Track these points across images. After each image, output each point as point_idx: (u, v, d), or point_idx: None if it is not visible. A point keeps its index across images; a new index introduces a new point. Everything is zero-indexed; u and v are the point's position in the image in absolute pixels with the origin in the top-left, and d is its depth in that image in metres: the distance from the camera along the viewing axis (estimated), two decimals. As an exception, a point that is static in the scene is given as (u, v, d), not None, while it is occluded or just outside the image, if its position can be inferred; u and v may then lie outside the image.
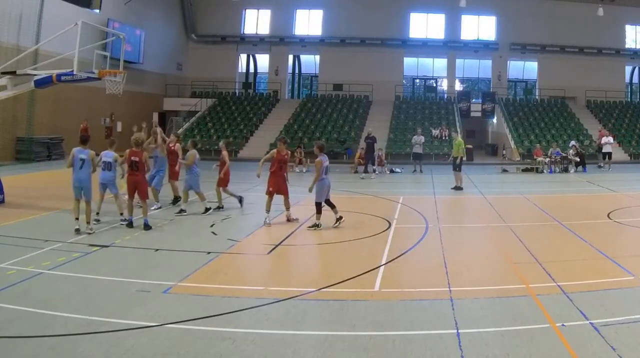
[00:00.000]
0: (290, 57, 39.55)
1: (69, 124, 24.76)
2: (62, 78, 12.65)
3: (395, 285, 7.03)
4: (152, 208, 11.87)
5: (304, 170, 22.56)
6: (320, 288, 6.70)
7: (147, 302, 6.14)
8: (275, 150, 11.20)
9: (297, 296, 6.40)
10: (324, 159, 10.42)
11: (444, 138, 29.28)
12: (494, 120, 34.51)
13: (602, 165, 24.78)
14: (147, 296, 6.35)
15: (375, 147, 21.94)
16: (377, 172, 21.73)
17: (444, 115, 33.14)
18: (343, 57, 36.40)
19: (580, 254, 8.58)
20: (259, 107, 34.74)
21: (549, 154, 23.79)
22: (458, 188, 16.70)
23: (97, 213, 10.40)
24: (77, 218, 9.64)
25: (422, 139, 23.41)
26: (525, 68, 38.49)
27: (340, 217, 10.44)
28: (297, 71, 40.93)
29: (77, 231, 9.47)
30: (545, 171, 23.06)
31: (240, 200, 12.51)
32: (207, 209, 11.69)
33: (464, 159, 18.27)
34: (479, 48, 37.04)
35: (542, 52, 36.38)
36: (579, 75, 35.15)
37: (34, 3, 22.27)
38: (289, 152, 11.64)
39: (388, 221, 11.17)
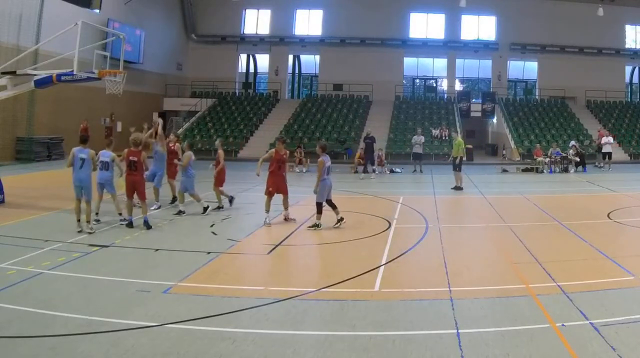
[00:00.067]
0: (290, 57, 39.56)
1: (69, 124, 24.77)
2: (62, 78, 12.65)
3: (395, 285, 7.03)
4: (152, 208, 11.87)
5: (304, 170, 22.57)
6: (320, 288, 6.70)
7: (147, 302, 6.14)
8: (273, 150, 11.22)
9: (297, 296, 6.40)
10: (326, 159, 10.43)
11: (444, 138, 29.28)
12: (494, 120, 34.51)
13: (602, 165, 24.82)
14: (147, 296, 6.34)
15: (375, 147, 21.94)
16: (377, 172, 21.72)
17: (444, 115, 33.15)
18: (343, 57, 36.40)
19: (580, 254, 8.58)
20: (259, 107, 34.75)
21: (549, 154, 23.79)
22: (458, 188, 16.70)
23: (97, 214, 10.40)
24: (78, 220, 9.68)
25: (422, 139, 23.41)
26: (525, 68, 38.50)
27: (342, 218, 10.42)
28: (297, 71, 40.94)
29: (80, 232, 9.50)
30: (545, 171, 23.06)
31: (231, 199, 12.50)
32: (205, 209, 11.69)
33: (464, 159, 18.28)
34: (479, 48, 37.04)
35: (542, 52, 36.39)
36: (579, 75, 35.15)
37: (34, 3, 22.27)
38: (288, 151, 11.63)
39: (388, 221, 11.17)
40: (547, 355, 4.85)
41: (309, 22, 38.40)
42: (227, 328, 5.44)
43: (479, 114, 34.19)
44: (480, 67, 38.28)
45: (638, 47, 36.89)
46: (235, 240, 9.42)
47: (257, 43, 38.38)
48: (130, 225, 10.09)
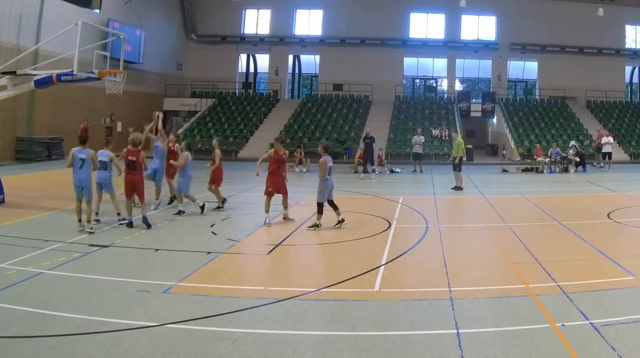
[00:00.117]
0: (290, 57, 39.55)
1: (69, 124, 24.76)
2: (62, 78, 12.65)
3: (395, 285, 7.03)
4: (152, 207, 11.89)
5: (304, 170, 22.58)
6: (320, 288, 6.70)
7: (147, 302, 6.14)
8: (272, 150, 11.21)
9: (297, 296, 6.40)
10: (328, 160, 10.43)
11: (444, 138, 29.28)
12: (494, 120, 34.51)
13: (602, 165, 24.86)
14: (147, 296, 6.34)
15: (374, 147, 21.94)
16: (377, 172, 21.73)
17: (444, 115, 33.15)
18: (343, 57, 36.39)
19: (580, 254, 8.58)
20: (259, 107, 34.75)
21: (549, 154, 23.79)
22: (458, 188, 16.70)
23: (97, 214, 10.40)
24: (80, 220, 9.72)
25: (422, 139, 23.42)
26: (525, 68, 38.50)
27: (343, 220, 10.41)
28: (297, 71, 40.93)
29: (81, 231, 9.52)
30: (545, 171, 23.06)
31: (223, 201, 12.38)
32: (202, 208, 11.67)
33: (464, 158, 18.28)
34: (479, 48, 37.03)
35: (542, 52, 36.38)
36: (579, 75, 35.14)
37: (34, 3, 22.27)
38: (287, 151, 11.63)
39: (388, 221, 11.17)
40: (547, 355, 4.85)
41: (309, 22, 38.39)
42: (227, 328, 5.44)
43: (479, 114, 34.19)
44: (480, 67, 38.28)
45: (638, 47, 36.88)
46: (235, 240, 9.42)
47: (257, 43, 38.37)
48: (130, 225, 10.10)
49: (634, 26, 36.77)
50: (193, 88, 37.18)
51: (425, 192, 16.79)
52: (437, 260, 8.16)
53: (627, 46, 36.67)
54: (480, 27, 37.54)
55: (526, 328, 5.41)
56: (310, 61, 40.05)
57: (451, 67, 38.02)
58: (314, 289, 6.66)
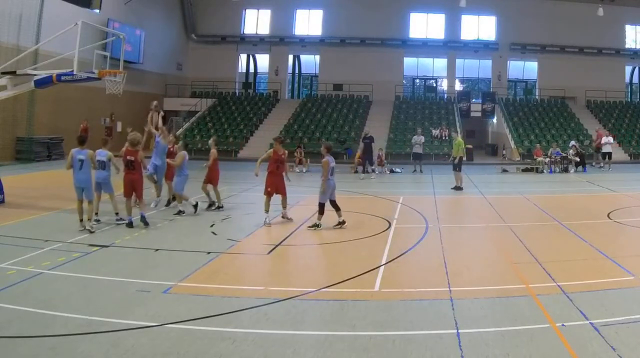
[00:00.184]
0: (290, 57, 39.55)
1: (69, 124, 24.76)
2: (62, 78, 12.64)
3: (395, 285, 7.03)
4: (152, 205, 11.89)
5: (304, 170, 22.59)
6: (320, 288, 6.69)
7: (147, 302, 6.14)
8: (272, 150, 11.21)
9: (297, 296, 6.40)
10: (330, 160, 10.44)
11: (444, 138, 29.28)
12: (494, 120, 34.51)
13: (602, 165, 24.87)
14: (147, 296, 6.34)
15: (374, 146, 21.93)
16: (377, 172, 21.74)
17: (444, 115, 33.15)
18: (343, 57, 36.39)
19: (580, 254, 8.58)
20: (259, 107, 34.75)
21: (549, 154, 23.80)
22: (458, 188, 16.69)
23: (96, 214, 10.40)
24: (81, 220, 9.74)
25: (422, 139, 23.42)
26: (525, 68, 38.50)
27: (344, 221, 10.39)
28: (297, 71, 40.93)
29: (81, 231, 9.54)
30: (545, 171, 23.07)
31: (211, 204, 12.24)
32: (195, 206, 11.62)
33: (464, 159, 18.28)
34: (479, 48, 37.04)
35: (542, 52, 36.38)
36: (579, 75, 35.14)
37: (34, 3, 22.27)
38: (286, 151, 11.63)
39: (388, 221, 11.17)
40: (547, 355, 4.85)
41: (309, 22, 38.39)
42: (227, 328, 5.44)
43: (479, 114, 34.19)
44: (480, 67, 38.28)
45: (638, 47, 36.88)
46: (235, 240, 9.42)
47: (257, 43, 38.37)
48: (130, 225, 10.11)
49: (634, 26, 36.77)
50: (193, 88, 37.19)
51: (425, 192, 16.79)
52: (437, 260, 8.16)
53: (627, 46, 36.67)
54: (480, 27, 37.54)
55: (526, 328, 5.41)
56: (310, 61, 40.05)
57: (451, 67, 38.02)
58: (314, 289, 6.66)
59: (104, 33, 20.19)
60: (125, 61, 15.46)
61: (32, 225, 10.30)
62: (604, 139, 25.10)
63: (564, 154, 23.79)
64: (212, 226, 10.57)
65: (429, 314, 5.92)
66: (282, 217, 11.08)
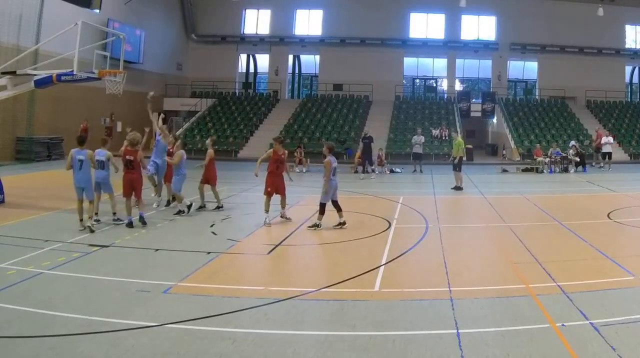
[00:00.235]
0: (290, 57, 39.56)
1: (69, 124, 24.77)
2: (62, 78, 12.64)
3: (395, 285, 7.03)
4: (154, 205, 11.88)
5: (304, 170, 22.59)
6: (320, 288, 6.69)
7: (147, 302, 6.14)
8: (271, 150, 11.21)
9: (297, 296, 6.40)
10: (332, 160, 10.44)
11: (444, 138, 29.28)
12: (494, 120, 34.51)
13: (602, 165, 24.88)
14: (147, 296, 6.34)
15: (373, 146, 21.92)
16: (377, 172, 21.74)
17: (444, 115, 33.15)
18: (343, 57, 36.40)
19: (580, 254, 8.58)
20: (259, 107, 34.75)
21: (549, 154, 23.80)
22: (458, 188, 16.70)
23: (96, 214, 10.40)
24: (81, 220, 9.76)
25: (422, 139, 23.42)
26: (525, 68, 38.50)
27: (344, 222, 10.39)
28: (297, 71, 40.94)
29: (82, 230, 9.56)
30: (545, 171, 23.07)
31: (201, 207, 12.10)
32: (188, 207, 11.57)
33: (464, 158, 18.28)
34: (479, 48, 37.04)
35: (542, 52, 36.39)
36: (579, 75, 35.15)
37: (34, 3, 22.27)
38: (286, 151, 11.61)
39: (388, 221, 11.17)
40: (547, 355, 4.85)
41: (309, 22, 38.40)
42: (227, 328, 5.44)
43: (479, 114, 34.20)
44: (480, 67, 38.29)
45: (638, 47, 36.88)
46: (235, 240, 9.42)
47: (257, 43, 38.38)
48: (130, 225, 10.11)
49: (634, 26, 36.77)
50: (193, 88, 37.19)
51: (425, 192, 16.79)
52: (437, 260, 8.16)
53: (627, 46, 36.68)
54: (480, 27, 37.54)
55: (526, 328, 5.41)
56: (310, 61, 40.05)
57: (451, 67, 38.02)
58: (314, 289, 6.66)
59: (104, 33, 20.19)
60: (125, 61, 15.46)
61: (32, 225, 10.30)
62: (604, 139, 25.11)
63: (564, 154, 23.79)
64: (212, 226, 10.57)
65: (429, 314, 5.92)
66: (281, 216, 11.09)
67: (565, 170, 23.35)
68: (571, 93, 35.60)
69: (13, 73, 13.07)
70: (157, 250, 8.56)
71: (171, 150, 12.57)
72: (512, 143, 29.54)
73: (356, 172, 21.80)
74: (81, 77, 12.51)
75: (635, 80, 39.26)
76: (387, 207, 13.46)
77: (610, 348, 4.90)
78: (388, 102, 34.82)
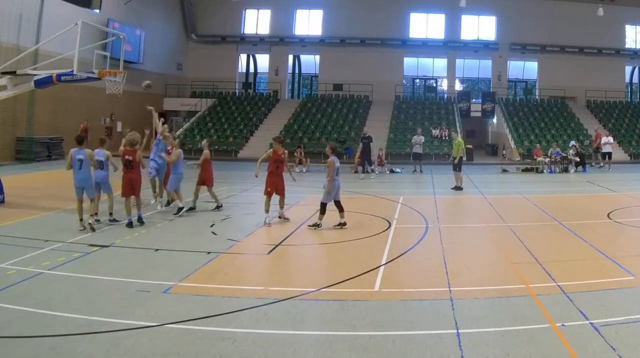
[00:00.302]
0: (290, 57, 39.56)
1: (69, 124, 24.76)
2: (62, 78, 12.64)
3: (395, 285, 7.03)
4: (158, 207, 11.85)
5: (304, 170, 22.58)
6: (320, 288, 6.69)
7: (147, 302, 6.14)
8: (271, 150, 11.19)
9: (297, 296, 6.40)
10: (335, 160, 10.44)
11: (444, 138, 29.28)
12: (494, 120, 34.52)
13: (601, 165, 24.89)
14: (147, 296, 6.34)
15: (372, 146, 21.92)
16: (377, 172, 21.74)
17: (444, 115, 33.15)
18: (343, 57, 36.40)
19: (580, 254, 8.58)
20: (259, 107, 34.75)
21: (549, 154, 23.79)
22: (458, 188, 16.69)
23: (96, 214, 10.39)
24: (81, 219, 9.79)
25: (422, 139, 23.42)
26: (525, 68, 38.50)
27: (345, 223, 10.39)
28: (297, 71, 40.94)
29: (82, 230, 9.58)
30: (545, 171, 23.07)
31: (191, 208, 11.96)
32: (179, 209, 11.48)
33: (464, 158, 18.28)
34: (479, 48, 37.04)
35: (542, 52, 36.39)
36: (579, 75, 35.15)
37: (34, 3, 22.27)
38: (286, 151, 11.60)
39: (388, 221, 11.17)
40: (547, 355, 4.85)
41: (309, 22, 38.40)
42: (227, 328, 5.44)
43: (479, 114, 34.20)
44: (480, 67, 38.29)
45: (638, 47, 36.89)
46: (235, 240, 9.42)
47: (257, 43, 38.38)
48: (130, 225, 10.12)
49: (634, 26, 36.77)
50: (193, 88, 37.19)
51: (425, 192, 16.79)
52: (437, 260, 8.16)
53: (627, 46, 36.68)
54: (480, 27, 37.54)
55: (526, 328, 5.41)
56: (310, 61, 40.05)
57: (451, 67, 38.02)
58: (314, 289, 6.66)
59: (104, 33, 20.18)
60: (125, 61, 15.46)
61: (32, 225, 10.30)
62: (604, 139, 25.11)
63: (564, 154, 23.79)
64: (212, 226, 10.57)
65: (429, 314, 5.92)
66: (279, 217, 11.05)
67: (565, 170, 23.35)
68: (571, 93, 35.60)
69: (13, 73, 13.07)
70: (157, 250, 8.56)
71: (170, 150, 12.56)
72: (512, 143, 29.54)
73: (356, 172, 21.79)
74: (81, 77, 12.51)
75: (635, 80, 39.26)
76: (387, 207, 13.46)
77: (610, 348, 4.90)
78: (388, 102, 34.82)
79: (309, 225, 10.41)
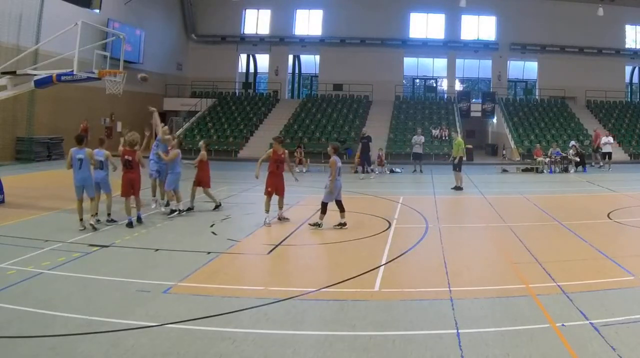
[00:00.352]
0: (290, 57, 39.57)
1: (69, 124, 24.75)
2: (62, 78, 12.64)
3: (395, 285, 7.02)
4: (162, 209, 11.86)
5: (304, 170, 22.57)
6: (320, 288, 6.69)
7: (147, 302, 6.14)
8: (271, 150, 11.18)
9: (297, 296, 6.40)
10: (337, 160, 10.44)
11: (444, 138, 29.29)
12: (494, 120, 34.52)
13: (601, 164, 24.89)
14: (147, 296, 6.34)
15: (371, 146, 21.92)
16: (377, 172, 21.74)
17: (444, 115, 33.15)
18: (343, 57, 36.41)
19: (580, 254, 8.58)
20: (259, 107, 34.75)
21: (549, 154, 23.79)
22: (458, 188, 16.69)
23: (96, 214, 10.39)
24: (81, 219, 9.80)
25: (422, 139, 23.42)
26: (525, 68, 38.51)
27: (345, 223, 10.38)
28: (297, 71, 40.94)
29: (82, 230, 9.59)
30: (545, 171, 23.07)
31: (189, 209, 11.96)
32: (172, 211, 11.46)
33: (464, 158, 18.28)
34: (479, 48, 37.05)
35: (542, 52, 36.40)
36: (579, 75, 35.16)
37: (34, 3, 22.27)
38: (285, 151, 11.58)
39: (388, 221, 11.16)
40: (547, 355, 4.85)
41: (309, 22, 38.41)
42: (227, 328, 5.44)
43: (479, 114, 34.20)
44: (480, 67, 38.30)
45: (638, 47, 36.90)
46: (235, 240, 9.42)
47: (257, 43, 38.38)
48: (130, 225, 10.12)
49: (634, 26, 36.78)
50: (193, 88, 37.19)
51: (425, 192, 16.79)
52: (437, 260, 8.15)
53: (627, 46, 36.70)
54: (480, 27, 37.55)
55: (526, 328, 5.41)
56: (310, 61, 40.06)
57: (451, 67, 38.03)
58: (314, 289, 6.66)
59: (104, 33, 20.18)
60: (125, 61, 15.46)
61: (32, 225, 10.30)
62: (604, 139, 25.12)
63: (564, 154, 23.79)
64: (212, 226, 10.57)
65: (429, 314, 5.92)
66: (278, 218, 11.01)
67: (565, 170, 23.35)
68: (571, 93, 35.61)
69: (13, 73, 13.07)
70: (157, 250, 8.56)
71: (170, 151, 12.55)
72: (512, 143, 29.54)
73: (356, 172, 21.79)
74: (81, 77, 12.51)
75: (635, 80, 39.28)
76: (387, 207, 13.46)
77: (610, 348, 4.90)
78: (388, 102, 34.82)
79: (310, 224, 10.41)
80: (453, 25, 37.08)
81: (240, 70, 39.74)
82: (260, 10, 38.40)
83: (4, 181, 12.87)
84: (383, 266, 7.77)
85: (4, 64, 13.97)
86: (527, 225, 11.18)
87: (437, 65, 38.75)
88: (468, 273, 7.58)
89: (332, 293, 6.55)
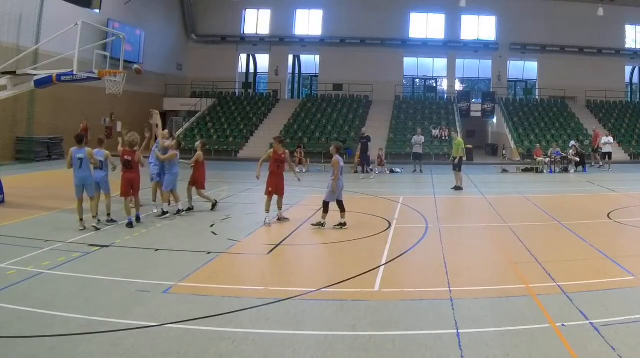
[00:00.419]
0: (290, 57, 39.57)
1: (69, 124, 24.71)
2: (62, 78, 12.64)
3: (395, 285, 7.02)
4: (164, 208, 11.87)
5: (304, 170, 22.57)
6: (320, 288, 6.69)
7: (147, 302, 6.14)
8: (271, 150, 11.18)
9: (297, 296, 6.40)
10: (339, 160, 10.44)
11: (444, 138, 29.29)
12: (494, 120, 34.53)
13: (601, 164, 24.90)
14: (147, 296, 6.34)
15: (370, 146, 21.92)
16: (376, 172, 21.74)
17: (444, 115, 33.15)
18: (343, 57, 36.42)
19: (580, 254, 8.58)
20: (259, 107, 34.75)
21: (549, 154, 23.80)
22: (458, 188, 16.70)
23: (96, 214, 10.39)
24: (81, 219, 9.80)
25: (422, 139, 23.42)
26: (525, 68, 38.52)
27: (345, 223, 10.38)
28: (297, 71, 40.94)
29: (82, 230, 9.59)
30: (545, 171, 23.07)
31: (189, 209, 11.96)
32: (163, 212, 11.34)
33: (464, 158, 18.28)
34: (479, 48, 37.05)
35: (542, 52, 36.40)
36: (579, 75, 35.16)
37: (34, 3, 22.28)
38: (286, 151, 11.57)
39: (388, 221, 11.16)
40: (547, 355, 4.85)
41: (309, 22, 38.41)
42: (227, 328, 5.44)
43: (479, 114, 34.22)
44: (480, 67, 38.30)
45: (638, 47, 36.89)
46: (235, 240, 9.41)
47: (257, 43, 38.39)
48: (130, 225, 10.12)
49: (634, 26, 36.78)
50: (193, 88, 37.19)
51: (425, 192, 16.79)
52: (437, 260, 8.15)
53: (627, 46, 36.70)
54: (480, 27, 37.56)
55: (526, 328, 5.41)
56: (310, 61, 40.06)
57: (451, 67, 38.04)
58: (314, 289, 6.66)
59: (104, 33, 20.19)
60: (125, 61, 15.42)
61: (32, 225, 10.30)
62: (604, 139, 25.13)
63: (564, 154, 23.79)
64: (212, 226, 10.57)
65: (429, 314, 5.92)
66: (278, 219, 11.00)
67: (565, 170, 23.35)
68: (571, 93, 35.60)
69: (13, 73, 13.07)
70: (157, 250, 8.56)
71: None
72: (512, 143, 29.54)
73: (356, 172, 21.80)
74: (81, 77, 12.50)
75: (635, 80, 39.28)
76: (387, 207, 13.46)
77: (610, 348, 4.90)
78: (388, 102, 34.83)
79: (313, 224, 10.42)
80: (453, 25, 37.08)
81: (240, 70, 39.74)
82: (260, 10, 38.41)
83: (4, 181, 12.87)
84: (383, 266, 7.77)
85: (4, 64, 13.96)
86: (527, 225, 11.18)
87: (437, 65, 38.76)
88: (468, 273, 7.58)
89: (332, 293, 6.55)
